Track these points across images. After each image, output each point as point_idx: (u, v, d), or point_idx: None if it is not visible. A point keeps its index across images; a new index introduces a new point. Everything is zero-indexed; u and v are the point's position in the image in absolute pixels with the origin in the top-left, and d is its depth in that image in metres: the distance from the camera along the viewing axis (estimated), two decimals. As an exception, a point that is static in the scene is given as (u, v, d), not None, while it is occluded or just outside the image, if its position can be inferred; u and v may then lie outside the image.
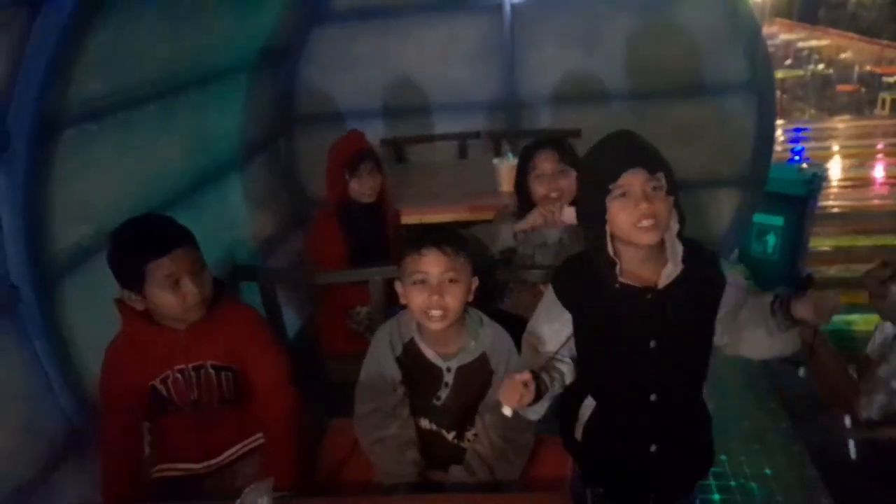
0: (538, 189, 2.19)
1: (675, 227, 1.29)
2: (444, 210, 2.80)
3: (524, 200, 2.24)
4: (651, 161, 1.27)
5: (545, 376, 1.33)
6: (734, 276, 1.36)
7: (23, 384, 1.76)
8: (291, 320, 2.85)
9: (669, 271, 1.30)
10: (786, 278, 3.83)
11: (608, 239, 1.30)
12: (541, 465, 1.67)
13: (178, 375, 1.65)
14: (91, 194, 2.04)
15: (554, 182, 2.16)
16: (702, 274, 1.32)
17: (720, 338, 1.36)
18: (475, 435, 1.59)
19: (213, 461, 1.72)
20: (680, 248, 1.29)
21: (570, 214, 2.13)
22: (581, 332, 1.41)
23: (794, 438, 2.39)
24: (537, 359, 1.42)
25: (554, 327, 1.43)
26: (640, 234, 1.26)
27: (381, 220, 2.62)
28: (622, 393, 1.41)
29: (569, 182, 2.14)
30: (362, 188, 2.48)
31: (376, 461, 1.60)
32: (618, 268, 1.31)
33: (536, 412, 1.38)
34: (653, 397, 1.37)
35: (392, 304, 2.01)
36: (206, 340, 1.64)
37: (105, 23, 1.82)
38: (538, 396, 1.29)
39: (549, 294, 1.45)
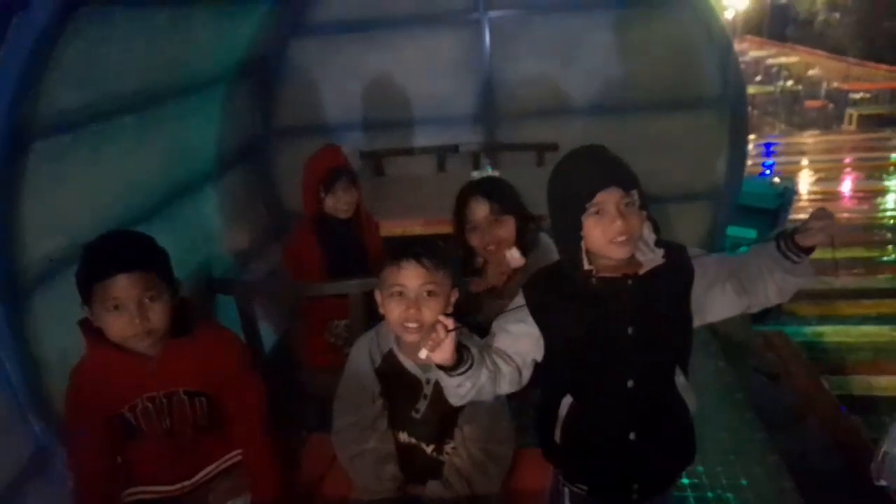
0: (473, 240, 2.08)
1: (647, 235, 1.34)
2: (423, 223, 2.80)
3: (464, 248, 2.13)
4: (625, 179, 1.31)
5: (474, 351, 1.31)
6: (700, 260, 1.40)
7: (-10, 401, 1.72)
8: (268, 333, 2.82)
9: (651, 259, 1.34)
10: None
11: (583, 252, 1.33)
12: (520, 478, 1.66)
13: (149, 404, 1.57)
14: (64, 207, 2.00)
15: (489, 233, 2.05)
16: (675, 264, 1.37)
17: (739, 303, 1.38)
18: (454, 448, 1.58)
19: (187, 482, 1.66)
20: (652, 240, 1.34)
21: (515, 257, 2.04)
22: (556, 337, 1.40)
23: (769, 449, 2.42)
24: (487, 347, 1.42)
25: (518, 329, 1.41)
26: (615, 248, 1.31)
27: (358, 234, 2.61)
28: (600, 382, 1.42)
29: (506, 230, 2.04)
30: (338, 204, 2.47)
31: (355, 476, 1.58)
32: (593, 275, 1.35)
33: (456, 389, 1.33)
34: (630, 384, 1.38)
35: (372, 318, 2.00)
36: (179, 366, 1.56)
37: (81, 33, 1.79)
38: (459, 362, 1.27)
39: (519, 302, 1.44)
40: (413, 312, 1.46)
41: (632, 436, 1.42)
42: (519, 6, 3.56)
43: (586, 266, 1.33)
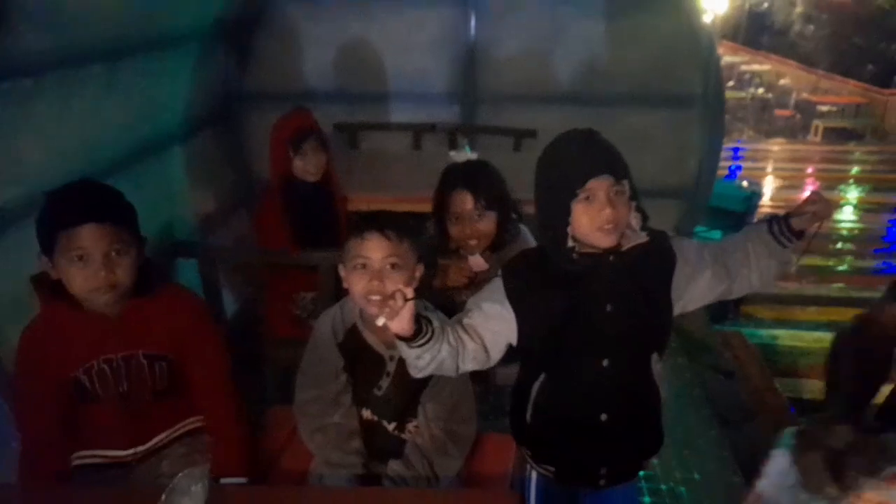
0: (453, 230, 2.01)
1: (634, 224, 1.34)
2: (396, 200, 2.76)
3: (441, 232, 2.06)
4: (617, 168, 1.30)
5: (435, 323, 1.29)
6: (682, 248, 1.41)
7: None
8: (228, 301, 2.76)
9: (633, 238, 1.34)
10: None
11: (568, 237, 1.32)
12: (482, 461, 1.66)
13: (105, 366, 1.51)
14: (23, 154, 1.92)
15: (469, 227, 1.98)
16: (657, 249, 1.38)
17: (719, 289, 1.41)
18: (416, 427, 1.56)
19: (140, 448, 1.60)
20: (638, 227, 1.34)
21: (478, 262, 2.00)
22: (531, 321, 1.38)
23: (723, 446, 2.47)
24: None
25: (491, 309, 1.39)
26: (601, 236, 1.30)
27: (327, 202, 2.56)
28: (576, 360, 1.41)
29: (487, 225, 1.97)
30: (306, 166, 2.42)
31: (317, 450, 1.55)
32: (574, 251, 1.34)
33: (415, 361, 1.31)
34: (605, 363, 1.38)
35: (341, 291, 1.96)
36: (140, 327, 1.50)
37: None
38: (418, 333, 1.25)
39: (497, 283, 1.42)
40: (376, 284, 1.43)
41: (603, 417, 1.42)
42: (506, -13, 3.51)
43: (569, 244, 1.32)
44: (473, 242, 2.00)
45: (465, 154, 2.72)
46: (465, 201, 1.96)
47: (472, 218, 1.97)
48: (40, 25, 1.82)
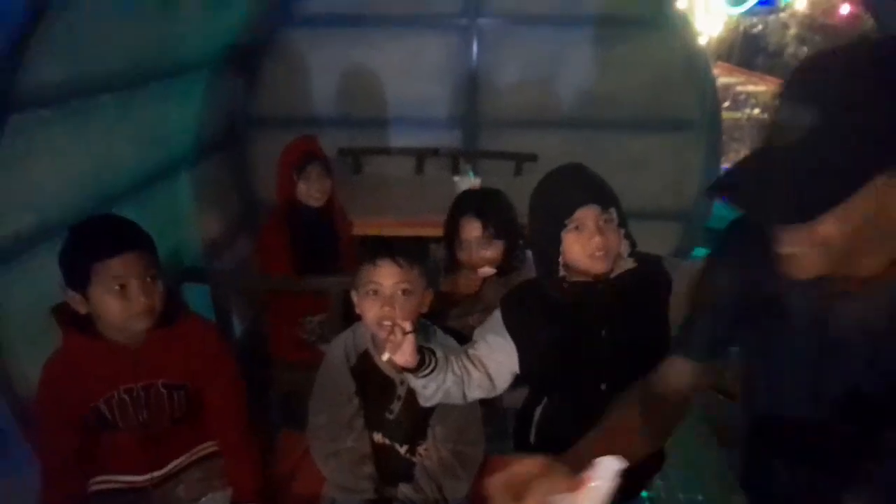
0: (461, 255, 2.03)
1: (623, 250, 1.41)
2: (400, 224, 2.80)
3: (450, 255, 2.09)
4: (603, 197, 1.38)
5: (439, 354, 1.35)
6: (679, 269, 1.45)
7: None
8: (234, 325, 2.79)
9: (621, 265, 1.40)
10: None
11: (560, 265, 1.39)
12: (490, 484, 1.67)
13: (126, 396, 1.53)
14: (37, 183, 1.95)
15: (477, 254, 1.99)
16: (649, 270, 1.44)
17: None
18: (425, 449, 1.59)
19: (157, 473, 1.62)
20: (626, 252, 1.41)
21: (485, 269, 2.01)
22: (530, 348, 1.43)
23: (724, 466, 2.48)
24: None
25: (494, 341, 1.45)
26: (593, 263, 1.37)
27: (330, 227, 2.60)
28: (575, 385, 1.46)
29: (494, 252, 1.99)
30: (310, 190, 2.46)
31: (330, 475, 1.57)
32: (565, 280, 1.40)
33: (422, 390, 1.36)
34: (603, 386, 1.43)
35: (349, 315, 1.99)
36: (159, 357, 1.53)
37: (70, 8, 1.75)
38: (422, 364, 1.31)
39: (497, 317, 1.49)
40: (388, 310, 1.46)
41: None
42: (508, 16, 3.59)
43: (561, 272, 1.39)
44: (483, 273, 2.02)
45: (469, 179, 2.79)
46: (474, 228, 1.98)
47: (479, 245, 1.99)
48: (58, 57, 1.86)
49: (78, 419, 1.52)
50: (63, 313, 1.48)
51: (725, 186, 0.90)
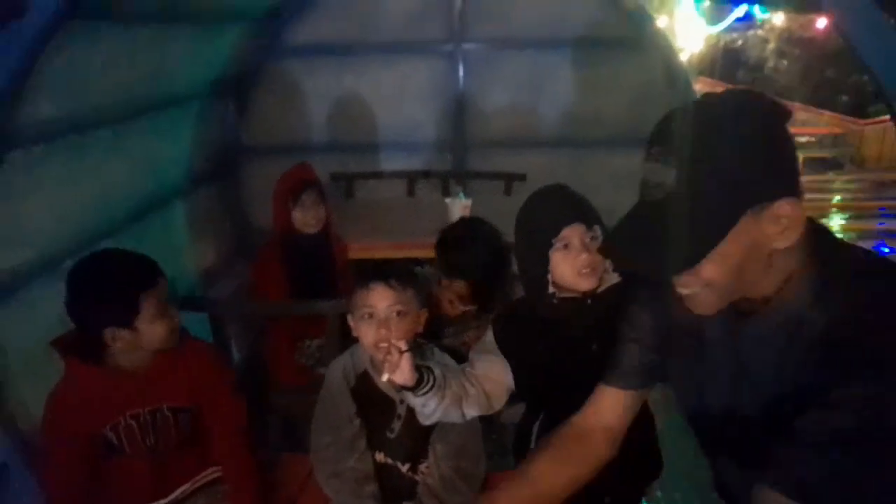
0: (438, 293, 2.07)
1: (608, 265, 1.45)
2: (393, 246, 2.83)
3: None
4: (588, 216, 1.43)
5: (437, 371, 1.38)
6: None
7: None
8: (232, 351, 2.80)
9: (607, 279, 1.45)
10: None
11: (549, 283, 1.43)
12: (491, 501, 1.69)
13: (132, 422, 1.56)
14: (33, 218, 1.98)
15: (447, 294, 2.05)
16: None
17: None
18: (427, 467, 1.61)
19: (163, 501, 1.64)
20: (611, 268, 1.45)
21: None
22: (524, 365, 1.47)
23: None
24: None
25: (488, 359, 1.49)
26: (581, 280, 1.41)
27: (326, 252, 2.63)
28: (571, 398, 1.47)
29: (460, 293, 2.03)
30: (305, 218, 2.50)
31: (334, 495, 1.59)
32: (555, 296, 1.45)
33: (421, 408, 1.40)
34: None
35: (347, 338, 2.01)
36: (164, 381, 1.57)
37: (66, 45, 1.80)
38: (419, 382, 1.35)
39: (489, 337, 1.53)
40: (384, 333, 1.48)
41: None
42: (492, 40, 3.67)
43: (550, 290, 1.43)
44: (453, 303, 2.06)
45: (460, 201, 2.83)
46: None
47: (450, 287, 2.04)
48: (54, 94, 1.90)
49: (85, 447, 1.54)
50: (63, 344, 1.51)
51: (610, 248, 1.02)
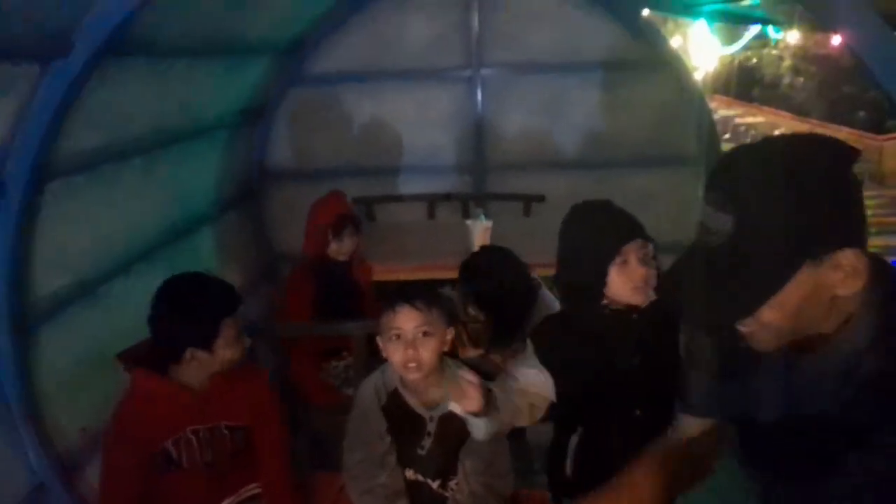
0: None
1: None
2: (413, 268, 2.88)
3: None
4: (644, 232, 1.47)
5: (496, 391, 1.39)
6: None
7: (-8, 436, 1.72)
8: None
9: (650, 295, 1.47)
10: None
11: (603, 298, 1.47)
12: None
13: (192, 437, 1.65)
14: (71, 245, 2.05)
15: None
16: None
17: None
18: (457, 483, 1.63)
19: None
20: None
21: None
22: (566, 376, 1.49)
23: (751, 485, 2.48)
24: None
25: (529, 373, 1.50)
26: (636, 295, 1.44)
27: (352, 276, 2.71)
28: (610, 413, 1.52)
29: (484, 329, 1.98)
30: (341, 249, 2.61)
31: (365, 510, 1.62)
32: (608, 307, 1.48)
33: (482, 428, 1.40)
34: (638, 412, 1.50)
35: (374, 358, 2.05)
36: (223, 400, 1.66)
37: (106, 79, 1.88)
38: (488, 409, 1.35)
39: (529, 351, 1.55)
40: (411, 353, 1.53)
41: None
42: (510, 65, 3.74)
43: (605, 301, 1.46)
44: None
45: (481, 223, 2.88)
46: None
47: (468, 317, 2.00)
48: (94, 126, 1.99)
49: (145, 459, 1.62)
50: (131, 359, 1.61)
51: (664, 292, 1.00)
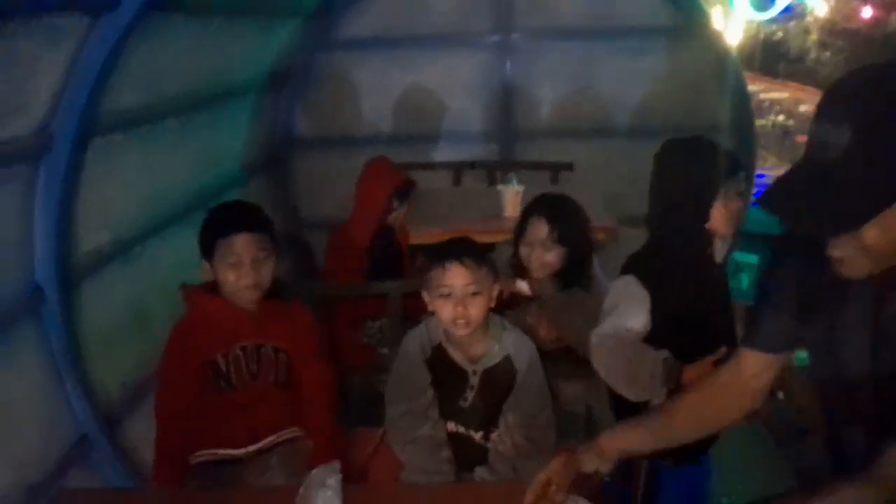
0: (522, 252, 2.04)
1: None
2: (440, 233, 2.87)
3: (516, 253, 2.10)
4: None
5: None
6: None
7: (38, 387, 1.76)
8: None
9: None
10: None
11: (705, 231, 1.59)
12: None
13: (240, 352, 1.73)
14: (110, 202, 2.07)
15: (534, 256, 2.00)
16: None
17: None
18: (498, 435, 1.66)
19: (251, 447, 1.75)
20: None
21: (522, 287, 2.06)
22: (666, 303, 1.59)
23: (778, 462, 2.51)
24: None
25: (641, 318, 1.59)
26: (730, 226, 1.60)
27: (396, 240, 2.82)
28: (698, 347, 1.59)
29: (554, 257, 1.98)
30: (398, 214, 2.71)
31: (409, 460, 1.65)
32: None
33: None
34: (723, 349, 1.56)
35: (407, 317, 2.08)
36: (270, 323, 1.74)
37: (147, 37, 1.88)
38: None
39: (624, 284, 1.63)
40: (461, 311, 1.56)
41: None
42: (539, 31, 3.69)
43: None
44: (537, 270, 2.02)
45: (513, 187, 2.87)
46: (540, 229, 1.98)
47: (540, 246, 1.99)
48: (135, 85, 2.00)
49: (197, 371, 1.72)
50: (188, 288, 1.74)
51: (771, 201, 1.00)
